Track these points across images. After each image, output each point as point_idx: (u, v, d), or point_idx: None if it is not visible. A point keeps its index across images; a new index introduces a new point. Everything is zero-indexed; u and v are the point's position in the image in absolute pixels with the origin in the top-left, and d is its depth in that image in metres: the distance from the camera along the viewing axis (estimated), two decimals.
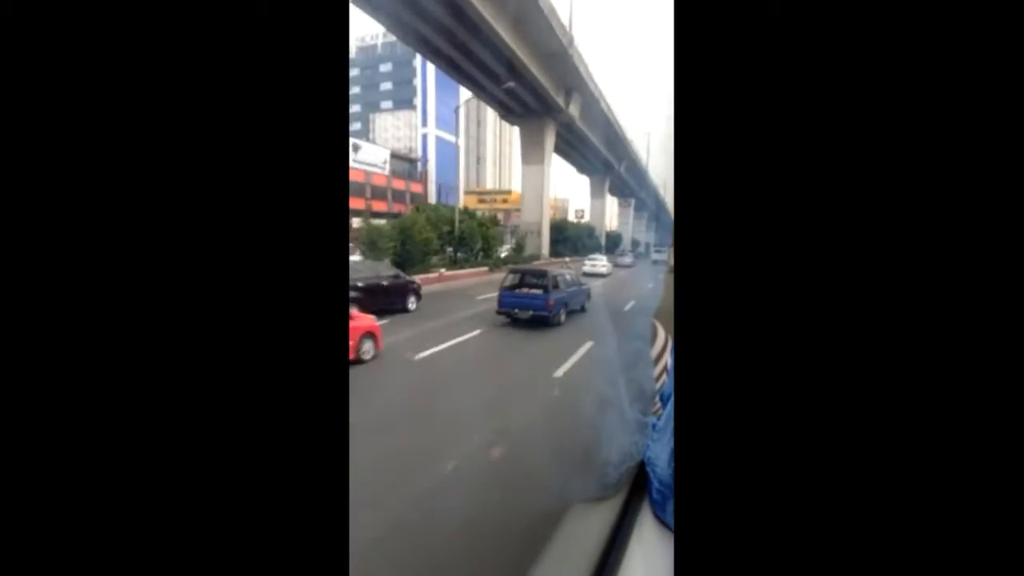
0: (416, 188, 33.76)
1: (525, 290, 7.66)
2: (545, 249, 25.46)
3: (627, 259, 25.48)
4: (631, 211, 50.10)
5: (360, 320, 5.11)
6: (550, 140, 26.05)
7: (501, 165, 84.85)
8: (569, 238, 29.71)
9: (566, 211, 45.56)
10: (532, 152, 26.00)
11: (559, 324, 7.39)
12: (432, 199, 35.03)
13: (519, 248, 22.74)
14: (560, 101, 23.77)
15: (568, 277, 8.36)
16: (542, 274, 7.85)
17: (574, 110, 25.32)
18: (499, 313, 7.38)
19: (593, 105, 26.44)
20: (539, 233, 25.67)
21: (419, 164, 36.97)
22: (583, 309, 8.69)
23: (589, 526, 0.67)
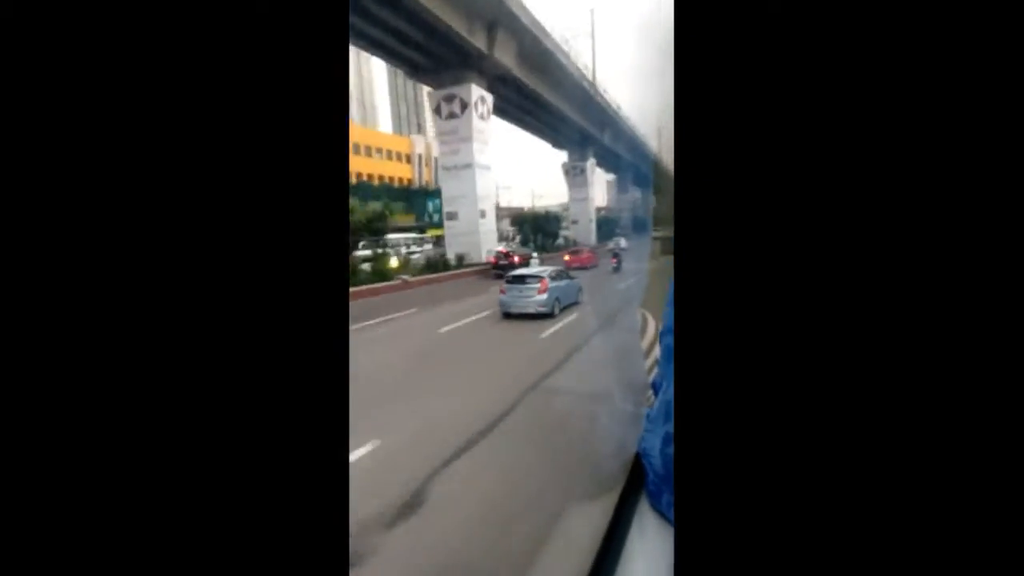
0: None
1: None
2: (483, 250, 18.49)
3: None
4: (630, 189, 42.51)
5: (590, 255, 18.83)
6: (481, 104, 18.85)
7: None
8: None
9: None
10: (453, 123, 18.86)
11: None
12: None
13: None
14: (478, 44, 16.61)
15: None
16: None
17: (505, 56, 18.06)
18: None
19: (536, 47, 19.08)
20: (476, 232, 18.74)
21: None
22: None
23: (586, 521, 0.68)
